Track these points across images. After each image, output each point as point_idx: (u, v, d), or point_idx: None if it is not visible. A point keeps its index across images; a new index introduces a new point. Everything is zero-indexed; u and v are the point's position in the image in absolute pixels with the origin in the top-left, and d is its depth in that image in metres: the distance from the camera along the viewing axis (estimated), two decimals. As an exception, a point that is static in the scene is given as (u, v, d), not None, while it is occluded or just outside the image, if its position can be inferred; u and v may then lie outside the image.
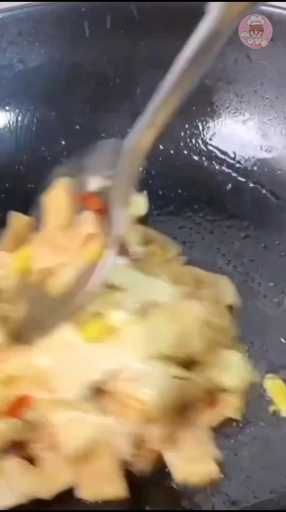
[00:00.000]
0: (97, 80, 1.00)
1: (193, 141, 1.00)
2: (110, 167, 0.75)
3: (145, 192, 0.97)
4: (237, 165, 0.99)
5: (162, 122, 0.70)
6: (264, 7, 0.93)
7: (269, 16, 0.94)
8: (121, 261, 0.82)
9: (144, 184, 0.98)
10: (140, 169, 0.75)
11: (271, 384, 0.81)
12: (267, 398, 0.80)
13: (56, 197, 0.79)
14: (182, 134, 1.01)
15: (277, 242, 0.94)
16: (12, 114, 1.00)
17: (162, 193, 0.99)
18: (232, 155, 1.00)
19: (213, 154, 1.00)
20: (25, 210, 0.89)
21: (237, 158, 0.99)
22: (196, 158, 1.00)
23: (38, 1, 0.98)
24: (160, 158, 1.00)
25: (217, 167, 1.00)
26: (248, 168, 0.99)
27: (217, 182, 0.99)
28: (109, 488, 0.72)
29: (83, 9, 0.97)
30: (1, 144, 0.99)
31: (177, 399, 0.75)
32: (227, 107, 1.00)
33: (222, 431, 0.78)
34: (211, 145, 1.00)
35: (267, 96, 0.98)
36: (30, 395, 0.75)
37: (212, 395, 0.78)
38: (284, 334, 0.85)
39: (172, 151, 1.00)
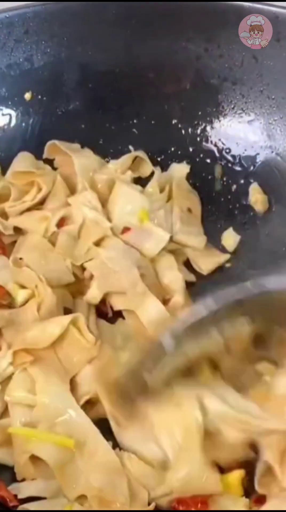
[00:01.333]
0: (103, 79, 1.00)
1: (198, 141, 1.00)
2: None
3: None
4: (242, 165, 0.99)
5: None
6: (267, 7, 0.93)
7: (276, 17, 0.93)
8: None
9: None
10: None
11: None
12: None
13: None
14: (188, 134, 1.00)
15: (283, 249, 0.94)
16: (17, 112, 1.00)
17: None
18: (237, 156, 1.00)
19: (218, 154, 1.00)
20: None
21: (242, 159, 0.99)
22: (201, 158, 1.00)
23: (44, 1, 0.98)
24: (165, 158, 1.00)
25: (222, 167, 1.00)
26: (253, 169, 0.99)
27: (222, 182, 0.99)
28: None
29: (90, 8, 0.97)
30: (5, 144, 1.00)
31: None
32: (233, 108, 0.99)
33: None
34: (216, 145, 1.00)
35: (273, 97, 0.98)
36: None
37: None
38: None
39: (177, 151, 1.00)
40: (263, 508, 0.72)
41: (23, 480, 0.76)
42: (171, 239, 0.92)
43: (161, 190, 0.97)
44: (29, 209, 0.94)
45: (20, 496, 0.74)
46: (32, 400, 0.77)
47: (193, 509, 0.73)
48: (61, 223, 0.91)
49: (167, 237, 0.91)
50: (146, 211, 0.92)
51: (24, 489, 0.74)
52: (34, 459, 0.75)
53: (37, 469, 0.75)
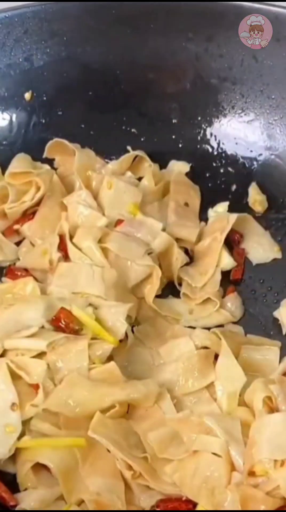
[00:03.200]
0: (103, 79, 1.00)
1: (198, 141, 1.00)
2: None
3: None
4: (242, 165, 0.99)
5: None
6: (267, 7, 0.93)
7: (276, 17, 0.93)
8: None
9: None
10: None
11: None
12: None
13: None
14: (187, 134, 1.00)
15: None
16: (17, 112, 1.00)
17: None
18: (237, 156, 1.00)
19: (218, 154, 1.00)
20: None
21: (242, 159, 0.99)
22: (200, 158, 1.00)
23: (44, 1, 0.98)
24: (164, 158, 1.00)
25: (221, 167, 1.00)
26: (253, 169, 0.99)
27: (221, 182, 0.99)
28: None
29: (89, 8, 0.97)
30: (5, 144, 1.00)
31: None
32: (233, 107, 0.99)
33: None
34: (216, 145, 1.00)
35: (273, 97, 0.98)
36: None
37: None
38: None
39: (177, 151, 1.00)
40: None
41: (25, 489, 0.76)
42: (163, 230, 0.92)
43: (157, 184, 0.97)
44: (27, 213, 0.94)
45: (23, 506, 0.73)
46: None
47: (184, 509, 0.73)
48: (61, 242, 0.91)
49: (160, 226, 0.91)
50: (137, 205, 0.93)
51: (26, 498, 0.74)
52: (36, 468, 0.75)
53: (38, 478, 0.75)
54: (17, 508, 0.73)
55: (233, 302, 0.90)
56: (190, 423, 0.78)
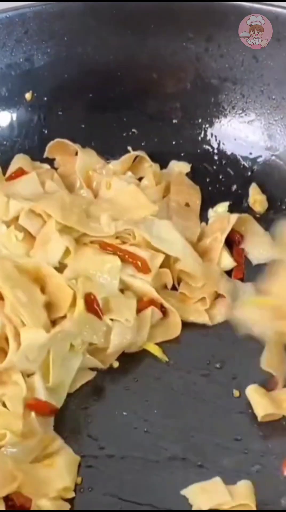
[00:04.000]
0: (103, 79, 1.00)
1: (198, 141, 1.00)
2: None
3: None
4: (242, 166, 0.99)
5: None
6: (267, 7, 0.93)
7: (276, 17, 0.93)
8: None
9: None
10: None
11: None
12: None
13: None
14: (188, 134, 1.00)
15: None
16: (17, 112, 1.00)
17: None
18: (237, 156, 0.99)
19: (218, 154, 1.00)
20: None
21: (242, 159, 0.99)
22: (201, 158, 1.00)
23: (45, 1, 0.98)
24: (165, 158, 1.00)
25: (222, 167, 1.00)
26: (253, 169, 0.99)
27: (221, 183, 0.99)
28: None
29: (89, 8, 0.98)
30: (5, 144, 1.00)
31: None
32: (233, 108, 0.99)
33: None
34: (216, 145, 1.00)
35: (273, 97, 0.98)
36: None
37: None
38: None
39: (177, 152, 1.00)
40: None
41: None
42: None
43: (157, 184, 0.97)
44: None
45: None
46: None
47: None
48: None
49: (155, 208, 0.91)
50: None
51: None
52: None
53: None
54: None
55: (222, 307, 0.89)
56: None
